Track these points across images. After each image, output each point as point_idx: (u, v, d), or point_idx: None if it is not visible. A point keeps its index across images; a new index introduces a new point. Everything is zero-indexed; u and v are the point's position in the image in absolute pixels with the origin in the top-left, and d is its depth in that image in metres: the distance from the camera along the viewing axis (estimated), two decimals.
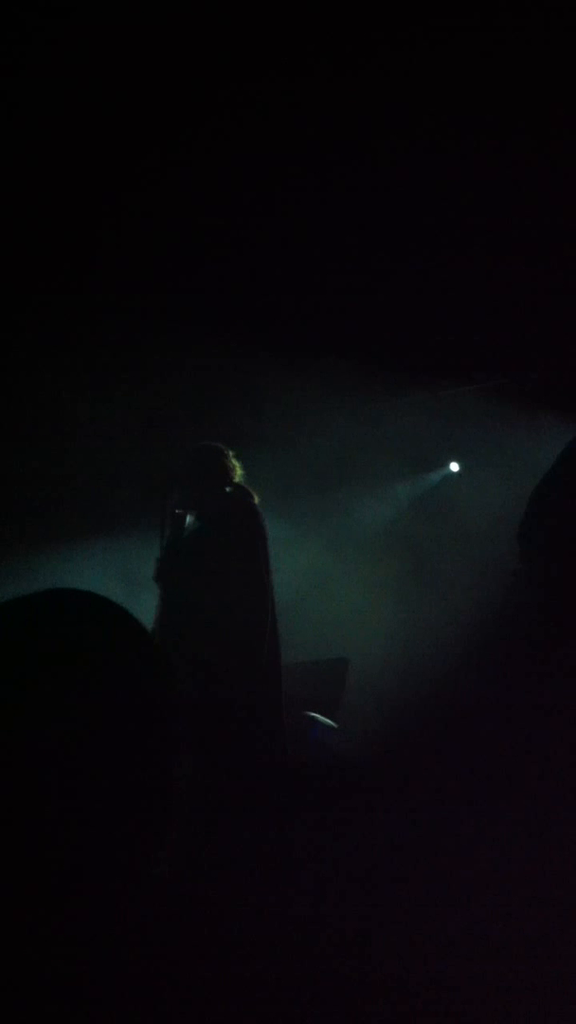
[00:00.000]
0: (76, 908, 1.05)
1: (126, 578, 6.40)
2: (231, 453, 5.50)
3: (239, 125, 5.65)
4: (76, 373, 7.08)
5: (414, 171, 6.10)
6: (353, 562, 8.49)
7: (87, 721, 1.21)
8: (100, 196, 6.08)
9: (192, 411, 7.12)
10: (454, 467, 8.63)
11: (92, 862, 1.10)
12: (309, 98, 5.52)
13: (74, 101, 5.39)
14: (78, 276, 6.59)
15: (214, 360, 7.17)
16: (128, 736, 1.23)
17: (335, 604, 8.37)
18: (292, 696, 6.61)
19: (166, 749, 1.27)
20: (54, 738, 1.19)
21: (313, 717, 6.27)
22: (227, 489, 5.42)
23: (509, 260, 6.71)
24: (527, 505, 1.75)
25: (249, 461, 5.68)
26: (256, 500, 5.43)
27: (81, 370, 7.07)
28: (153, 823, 1.18)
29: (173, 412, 7.18)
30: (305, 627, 7.60)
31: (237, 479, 5.45)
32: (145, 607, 5.41)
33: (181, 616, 5.23)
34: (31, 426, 7.30)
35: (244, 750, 5.02)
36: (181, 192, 6.17)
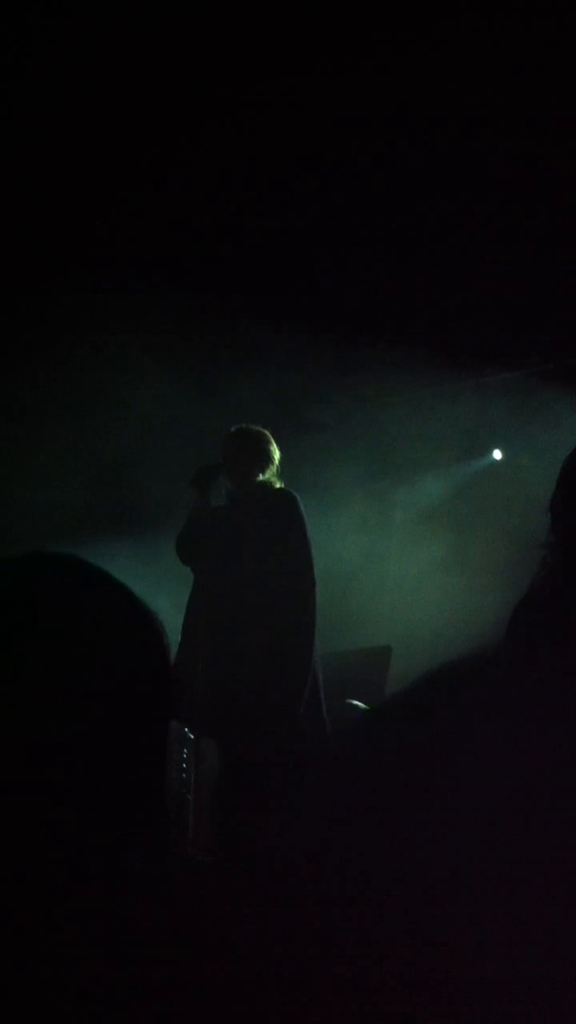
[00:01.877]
0: (75, 890, 1.03)
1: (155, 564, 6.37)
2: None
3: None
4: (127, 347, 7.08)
5: (460, 148, 6.06)
6: (396, 550, 8.46)
7: (70, 693, 1.16)
8: (146, 167, 6.08)
9: (234, 396, 7.11)
10: (497, 455, 8.57)
11: (87, 849, 1.07)
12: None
13: (116, 68, 5.39)
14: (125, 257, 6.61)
15: (257, 344, 7.15)
16: (117, 704, 1.18)
17: (378, 592, 8.35)
18: (334, 685, 6.59)
19: (157, 719, 1.22)
20: (35, 712, 1.14)
21: (355, 705, 6.25)
22: (273, 476, 5.40)
23: (557, 242, 6.65)
24: (559, 478, 1.72)
25: (289, 448, 5.67)
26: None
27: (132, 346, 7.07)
28: (147, 806, 1.14)
29: (215, 397, 7.17)
30: (348, 615, 7.58)
31: (277, 465, 5.44)
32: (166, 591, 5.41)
33: (228, 602, 5.21)
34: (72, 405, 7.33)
35: (286, 740, 5.01)
36: (235, 170, 6.17)
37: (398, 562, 8.48)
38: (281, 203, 6.47)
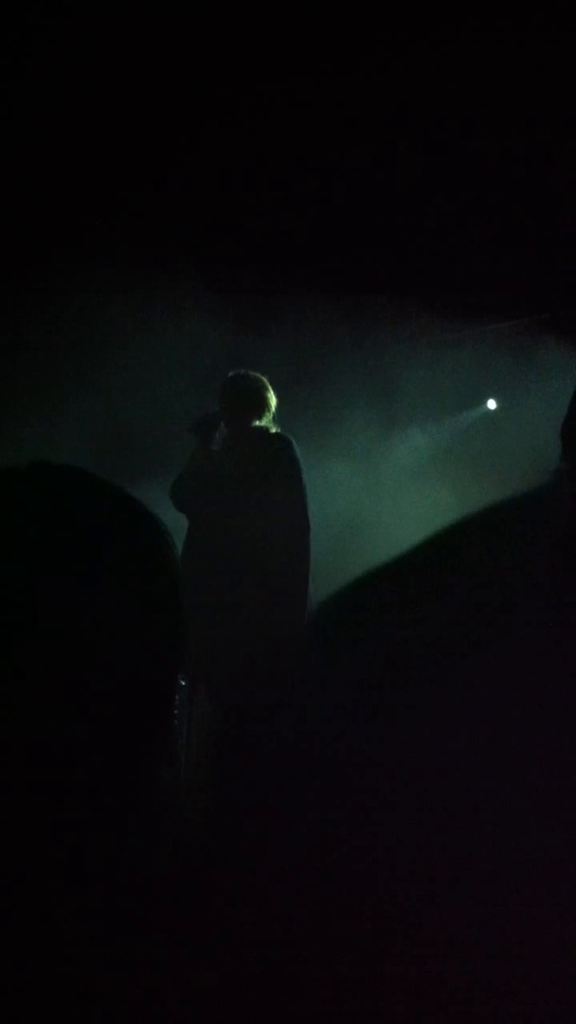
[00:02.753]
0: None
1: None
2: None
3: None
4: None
5: (464, 105, 6.04)
6: (392, 499, 8.46)
7: (82, 615, 1.09)
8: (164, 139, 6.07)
9: (228, 343, 7.09)
10: (491, 404, 8.56)
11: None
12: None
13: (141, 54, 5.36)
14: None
15: (249, 292, 7.13)
16: (129, 636, 1.11)
17: (374, 540, 8.36)
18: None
19: (170, 651, 1.16)
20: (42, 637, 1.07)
21: None
22: (270, 423, 5.39)
23: (556, 195, 6.63)
24: (570, 403, 1.68)
25: (284, 397, 5.65)
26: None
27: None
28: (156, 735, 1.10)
29: (211, 341, 7.16)
30: (344, 563, 7.59)
31: (274, 411, 5.43)
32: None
33: (223, 547, 5.21)
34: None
35: (279, 687, 5.02)
36: (238, 133, 6.15)
37: (394, 511, 8.48)
38: (289, 159, 6.46)
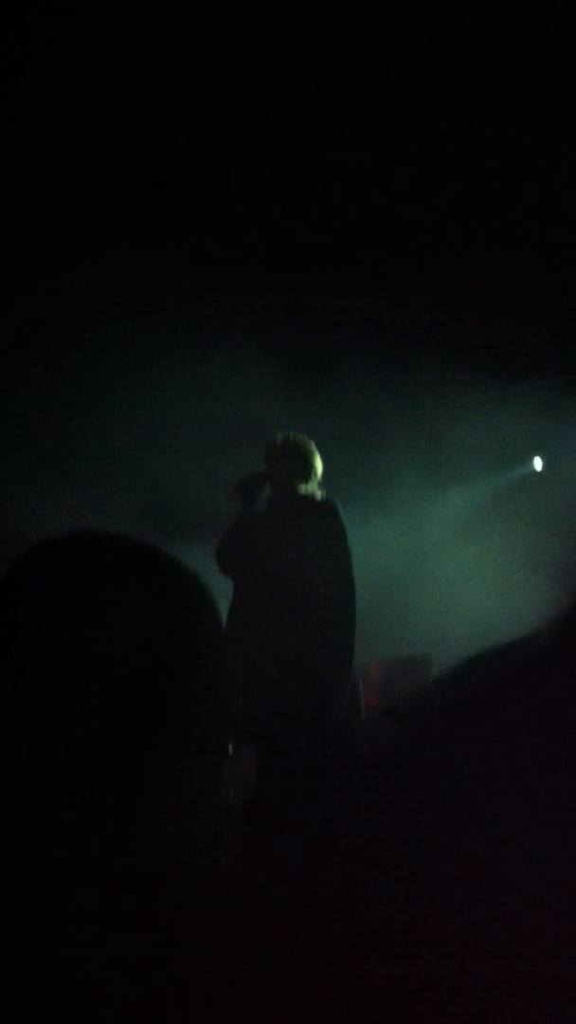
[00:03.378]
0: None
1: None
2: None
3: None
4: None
5: (511, 154, 6.07)
6: (436, 558, 8.44)
7: (127, 682, 1.11)
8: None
9: (273, 402, 7.14)
10: (538, 464, 8.54)
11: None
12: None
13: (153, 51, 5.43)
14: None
15: (290, 350, 7.19)
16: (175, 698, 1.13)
17: (417, 600, 8.33)
18: (372, 693, 6.58)
19: (217, 716, 1.16)
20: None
21: (391, 714, 6.24)
22: (316, 487, 5.41)
23: None
24: None
25: (329, 457, 5.67)
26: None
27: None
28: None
29: (259, 405, 7.20)
30: (387, 624, 7.57)
31: (321, 475, 5.45)
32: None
33: (268, 609, 5.22)
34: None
35: (323, 743, 5.02)
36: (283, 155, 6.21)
37: (437, 570, 8.46)
38: (345, 228, 6.54)
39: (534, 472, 8.55)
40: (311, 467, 5.40)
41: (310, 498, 5.37)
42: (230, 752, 1.16)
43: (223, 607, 5.38)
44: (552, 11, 5.12)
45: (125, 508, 7.20)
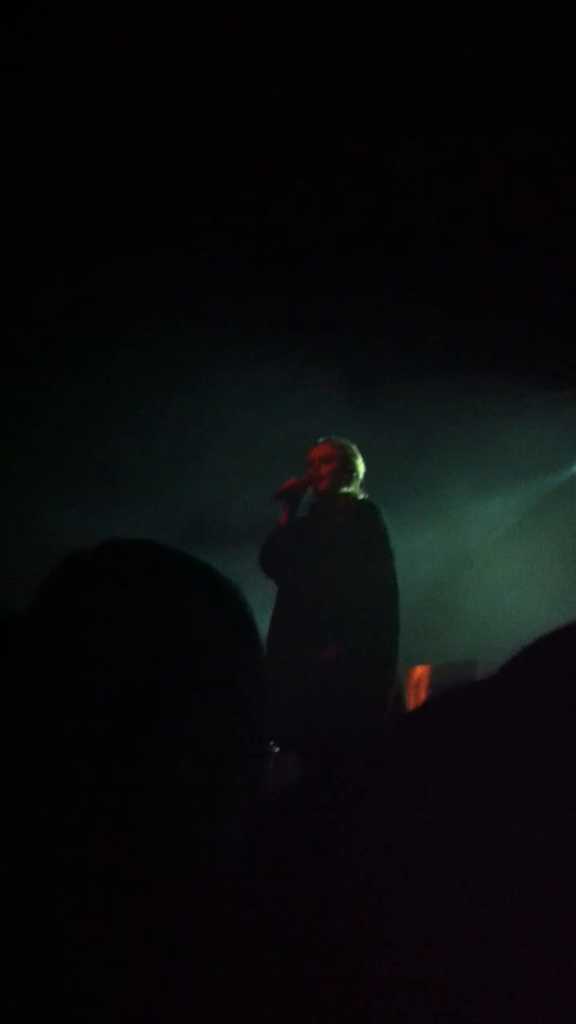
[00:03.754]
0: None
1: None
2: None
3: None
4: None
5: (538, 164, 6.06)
6: (479, 564, 8.41)
7: (161, 694, 1.10)
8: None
9: (306, 411, 7.15)
10: None
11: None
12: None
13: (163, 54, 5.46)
14: None
15: (327, 357, 7.20)
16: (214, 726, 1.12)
17: (460, 606, 8.30)
18: (417, 699, 6.56)
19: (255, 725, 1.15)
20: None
21: None
22: (357, 490, 5.43)
23: None
24: None
25: (372, 462, 5.68)
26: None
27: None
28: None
29: (289, 411, 7.22)
30: (431, 629, 7.56)
31: (362, 478, 5.46)
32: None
33: (311, 615, 5.22)
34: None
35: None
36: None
37: (483, 576, 8.43)
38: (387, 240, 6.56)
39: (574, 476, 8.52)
40: (353, 470, 5.41)
41: (352, 501, 5.38)
42: (271, 757, 1.14)
43: (267, 612, 5.40)
44: (552, 11, 5.12)
45: (171, 519, 7.24)
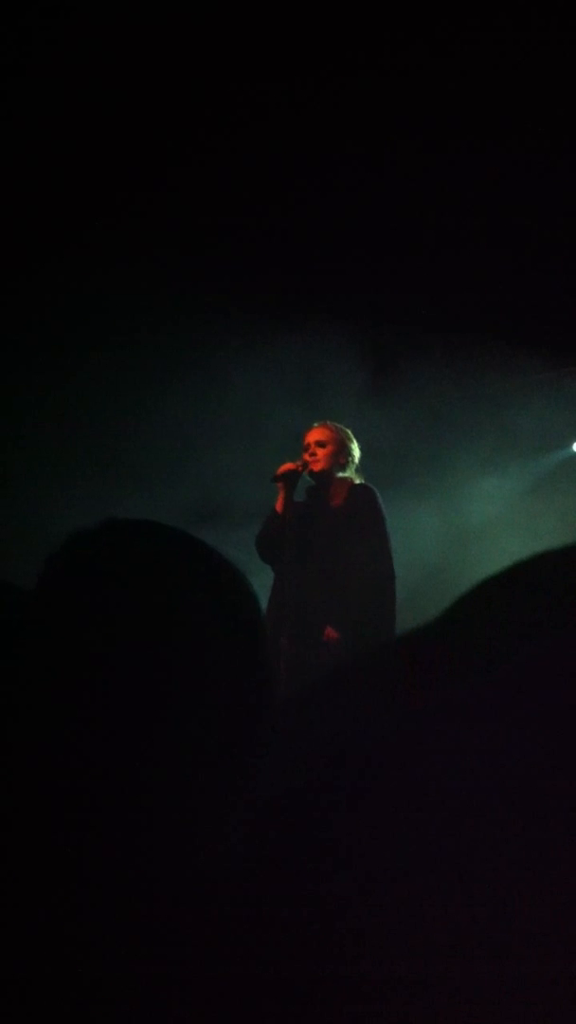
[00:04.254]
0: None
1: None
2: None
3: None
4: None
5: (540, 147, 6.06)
6: (476, 545, 8.41)
7: (165, 670, 1.10)
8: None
9: (300, 390, 7.15)
10: None
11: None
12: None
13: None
14: None
15: (322, 337, 7.19)
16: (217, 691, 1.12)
17: (457, 588, 8.29)
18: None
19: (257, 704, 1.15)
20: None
21: None
22: (353, 473, 5.43)
23: None
24: None
25: (367, 442, 5.68)
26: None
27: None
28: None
29: (279, 392, 7.22)
30: (431, 610, 7.55)
31: (358, 462, 5.46)
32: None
33: (308, 598, 5.23)
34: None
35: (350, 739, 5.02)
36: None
37: (477, 557, 8.43)
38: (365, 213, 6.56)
39: (573, 455, 8.50)
40: (348, 454, 5.42)
41: (348, 484, 5.39)
42: (273, 755, 1.13)
43: (263, 597, 5.40)
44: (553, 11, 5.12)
45: (171, 501, 7.25)
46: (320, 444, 5.40)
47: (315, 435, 5.44)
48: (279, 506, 5.41)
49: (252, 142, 6.14)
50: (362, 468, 5.52)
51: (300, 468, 5.39)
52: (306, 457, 5.40)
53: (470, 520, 8.35)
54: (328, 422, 5.50)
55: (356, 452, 5.46)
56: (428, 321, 7.29)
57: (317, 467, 5.38)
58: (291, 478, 5.39)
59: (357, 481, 5.43)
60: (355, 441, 5.48)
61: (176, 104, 5.93)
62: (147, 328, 7.04)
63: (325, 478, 5.40)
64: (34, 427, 7.32)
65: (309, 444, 5.42)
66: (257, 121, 6.02)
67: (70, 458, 7.31)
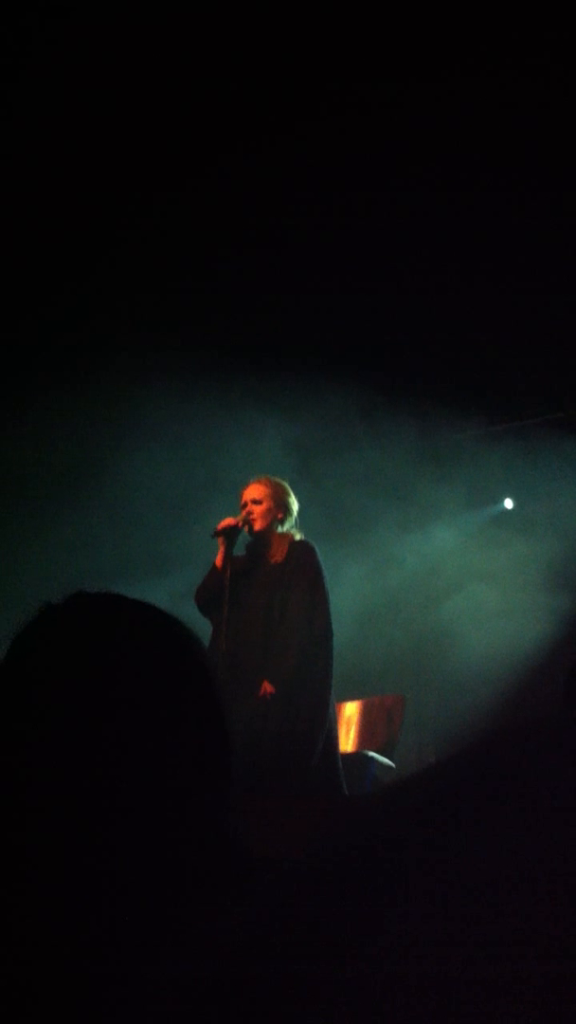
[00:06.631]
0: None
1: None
2: None
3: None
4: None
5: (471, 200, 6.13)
6: (409, 599, 8.44)
7: (126, 737, 1.15)
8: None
9: (234, 447, 7.20)
10: (508, 504, 8.57)
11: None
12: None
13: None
14: None
15: (252, 393, 7.24)
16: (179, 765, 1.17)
17: (391, 642, 8.33)
18: (349, 734, 6.58)
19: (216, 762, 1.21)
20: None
21: (370, 756, 6.25)
22: (292, 527, 5.44)
23: (570, 296, 6.71)
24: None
25: (303, 495, 5.70)
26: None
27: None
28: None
29: (222, 449, 7.25)
30: (361, 666, 7.57)
31: (296, 516, 5.48)
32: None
33: (245, 651, 5.22)
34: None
35: (301, 787, 5.01)
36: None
37: (411, 611, 8.47)
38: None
39: (506, 512, 8.58)
40: (286, 509, 5.43)
41: (287, 540, 5.40)
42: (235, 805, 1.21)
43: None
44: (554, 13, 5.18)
45: (110, 550, 7.24)
46: (256, 502, 5.41)
47: (251, 492, 5.44)
48: (219, 561, 5.41)
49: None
50: (300, 521, 5.53)
51: (240, 524, 5.40)
52: (243, 513, 5.42)
53: (402, 576, 8.38)
54: (265, 477, 5.51)
55: (294, 506, 5.47)
56: (372, 381, 7.36)
57: (256, 524, 5.39)
58: (231, 534, 5.39)
59: (297, 537, 5.44)
60: (292, 494, 5.49)
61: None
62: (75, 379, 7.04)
63: (264, 535, 5.41)
64: None
65: (246, 502, 5.44)
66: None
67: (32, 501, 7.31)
